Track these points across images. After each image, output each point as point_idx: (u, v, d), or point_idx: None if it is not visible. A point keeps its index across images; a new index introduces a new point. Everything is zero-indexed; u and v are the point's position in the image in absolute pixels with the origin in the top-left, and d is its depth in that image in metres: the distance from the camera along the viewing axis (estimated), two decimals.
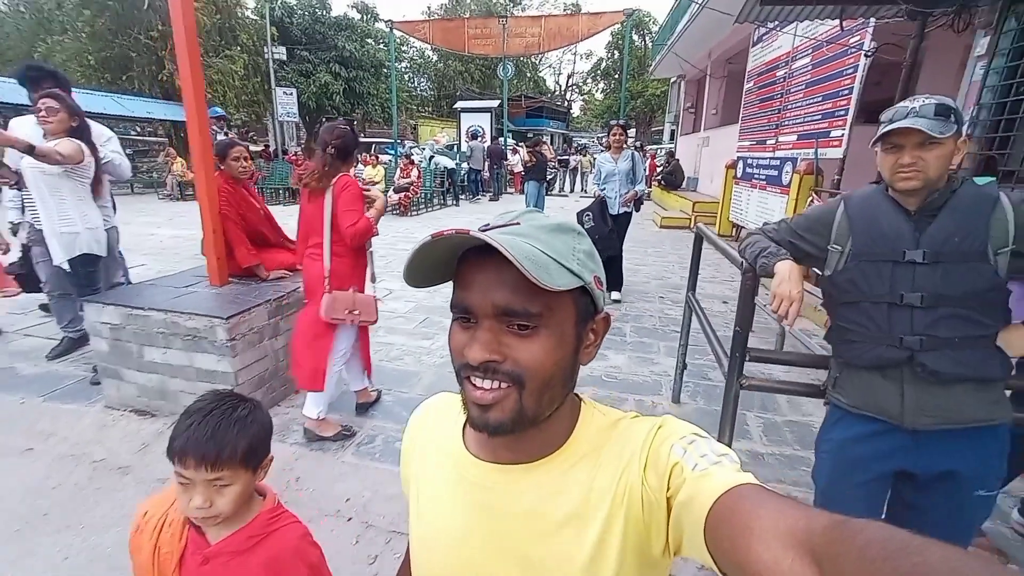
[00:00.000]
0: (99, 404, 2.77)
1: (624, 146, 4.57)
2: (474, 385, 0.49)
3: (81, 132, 2.76)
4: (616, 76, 38.44)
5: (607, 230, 4.45)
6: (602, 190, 4.58)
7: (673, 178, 11.47)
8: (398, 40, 19.98)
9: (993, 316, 1.20)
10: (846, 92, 4.51)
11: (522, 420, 0.50)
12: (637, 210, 4.69)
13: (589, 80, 45.68)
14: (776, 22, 4.26)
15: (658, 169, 14.48)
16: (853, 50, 4.37)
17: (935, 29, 3.35)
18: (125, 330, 2.54)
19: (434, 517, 0.59)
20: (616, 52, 36.88)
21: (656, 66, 15.05)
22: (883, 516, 1.45)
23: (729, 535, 0.38)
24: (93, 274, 2.83)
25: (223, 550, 0.87)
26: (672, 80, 17.10)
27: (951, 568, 0.25)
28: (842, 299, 1.36)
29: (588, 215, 4.46)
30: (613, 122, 4.70)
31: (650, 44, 29.24)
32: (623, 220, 4.63)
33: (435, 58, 31.46)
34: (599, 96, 45.05)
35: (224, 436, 0.82)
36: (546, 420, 0.52)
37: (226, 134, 5.78)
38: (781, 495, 0.40)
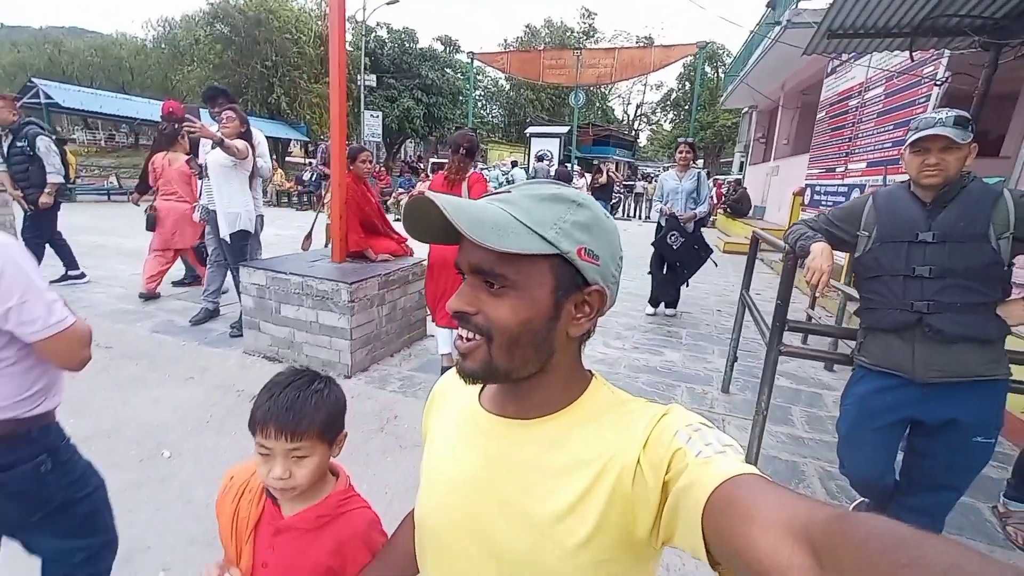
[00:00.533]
0: (239, 351, 3.44)
1: (691, 165, 4.51)
2: (459, 336, 0.55)
3: (247, 136, 3.51)
4: (686, 107, 38.44)
5: (695, 243, 4.42)
6: (666, 204, 4.48)
7: (739, 206, 11.47)
8: (475, 70, 21.39)
9: (991, 288, 1.47)
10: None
11: (492, 372, 0.54)
12: (695, 233, 4.54)
13: (658, 110, 45.87)
14: (846, 54, 4.48)
15: (724, 197, 14.43)
16: (926, 80, 4.49)
17: (1011, 60, 3.48)
18: (268, 290, 3.19)
19: (440, 461, 0.64)
20: (687, 83, 37.00)
21: (727, 96, 15.14)
22: (898, 459, 1.70)
23: (729, 522, 0.38)
24: (244, 247, 3.55)
25: (294, 525, 0.87)
26: (743, 110, 17.06)
27: (949, 562, 0.25)
28: (867, 275, 1.66)
29: (674, 235, 4.37)
30: (681, 140, 4.62)
31: (722, 75, 29.17)
32: (697, 236, 4.51)
33: (507, 87, 33.03)
34: (667, 126, 45.06)
35: (303, 407, 0.84)
36: (543, 381, 0.56)
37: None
38: (784, 487, 0.40)
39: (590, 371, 0.61)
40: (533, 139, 16.98)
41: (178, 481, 2.23)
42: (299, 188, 13.59)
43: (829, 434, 2.67)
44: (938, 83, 4.18)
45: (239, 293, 3.53)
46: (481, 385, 0.63)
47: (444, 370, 3.00)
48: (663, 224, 4.55)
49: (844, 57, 5.07)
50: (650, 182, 18.37)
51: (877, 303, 1.62)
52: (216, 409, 2.83)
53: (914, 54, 4.13)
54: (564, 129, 17.65)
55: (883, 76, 5.33)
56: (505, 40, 36.58)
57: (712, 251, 4.60)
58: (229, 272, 3.79)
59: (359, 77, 17.11)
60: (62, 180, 4.41)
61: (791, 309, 2.09)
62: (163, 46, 26.10)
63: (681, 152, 4.50)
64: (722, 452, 0.45)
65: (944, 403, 1.52)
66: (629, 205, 17.53)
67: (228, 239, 3.45)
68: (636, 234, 10.50)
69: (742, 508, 0.38)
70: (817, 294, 1.73)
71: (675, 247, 4.41)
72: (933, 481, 1.61)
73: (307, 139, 20.60)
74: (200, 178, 3.54)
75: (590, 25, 37.45)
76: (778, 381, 3.08)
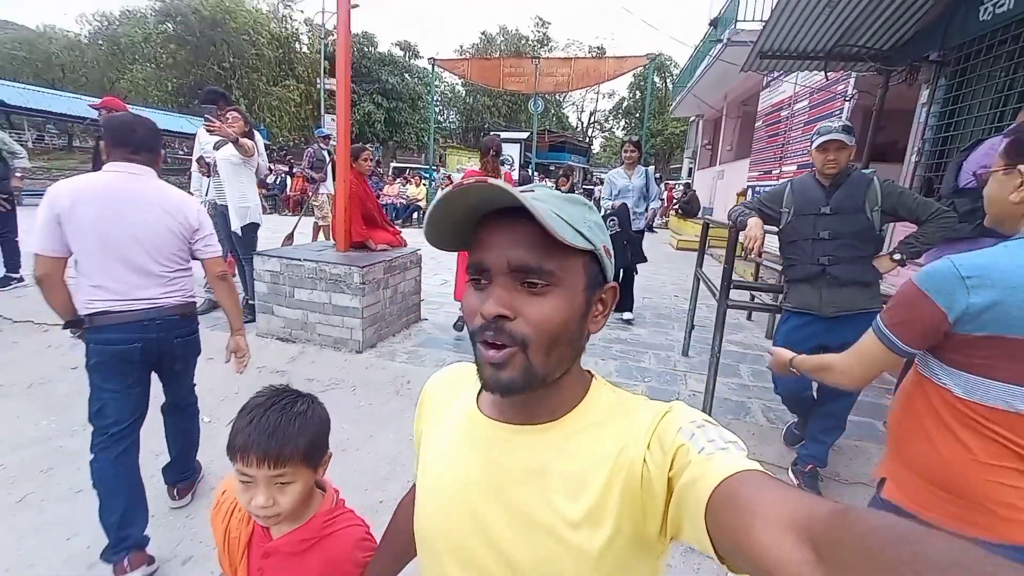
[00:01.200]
0: (251, 334, 3.70)
1: (638, 163, 4.52)
2: (487, 344, 0.52)
3: (250, 136, 3.80)
4: (637, 115, 40.16)
5: (627, 239, 4.24)
6: (616, 200, 4.40)
7: (690, 207, 12.41)
8: (435, 76, 21.70)
9: (869, 246, 2.07)
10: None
11: (532, 377, 0.52)
12: (651, 230, 4.97)
13: (610, 118, 47.65)
14: (776, 72, 5.24)
15: (675, 200, 15.46)
16: (839, 96, 5.32)
17: (897, 84, 4.29)
18: (282, 275, 3.50)
19: (442, 469, 0.61)
20: (638, 92, 38.69)
21: (676, 106, 16.24)
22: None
23: (731, 517, 0.39)
24: (254, 239, 3.83)
25: (281, 548, 0.86)
26: (691, 119, 18.28)
27: (951, 558, 0.25)
28: (787, 240, 2.24)
29: (613, 220, 4.21)
30: (626, 139, 4.63)
31: (670, 86, 30.85)
32: (637, 239, 4.45)
33: (463, 93, 33.51)
34: (619, 133, 46.90)
35: (286, 431, 0.80)
36: (555, 385, 0.55)
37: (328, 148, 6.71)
38: (786, 483, 0.40)
39: (589, 371, 0.61)
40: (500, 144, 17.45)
41: (221, 438, 2.54)
42: (262, 191, 13.45)
43: (769, 383, 3.29)
44: (847, 99, 5.00)
45: (247, 283, 3.80)
46: (479, 389, 0.62)
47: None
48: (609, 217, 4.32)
49: (775, 74, 5.85)
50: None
51: (796, 260, 2.20)
52: (241, 383, 3.11)
53: (828, 74, 4.94)
54: (524, 135, 18.30)
55: (807, 91, 6.19)
56: (461, 46, 37.09)
57: (644, 259, 4.46)
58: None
59: (318, 80, 17.07)
60: (28, 164, 4.48)
61: (735, 278, 2.67)
62: (100, 42, 24.86)
63: (627, 151, 4.55)
64: (724, 448, 0.45)
65: (842, 330, 2.10)
66: None
67: (239, 232, 3.72)
68: None
69: (744, 503, 0.38)
70: (753, 257, 2.30)
71: (610, 232, 4.23)
72: (836, 391, 2.20)
73: (267, 141, 20.25)
74: (206, 175, 3.78)
75: (544, 34, 38.56)
76: (727, 347, 3.71)
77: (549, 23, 38.54)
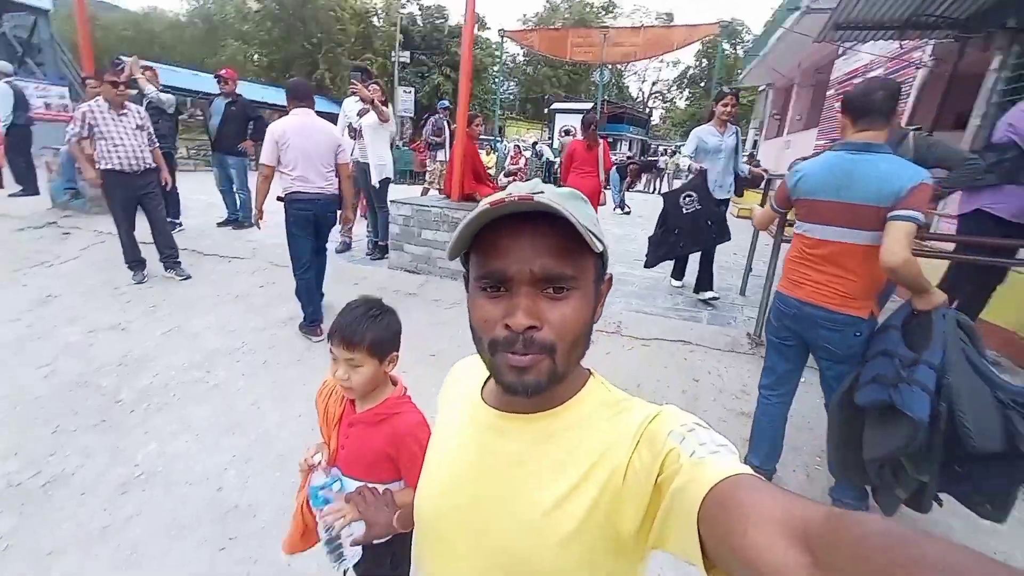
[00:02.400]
0: (384, 267, 4.65)
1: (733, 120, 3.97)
2: (512, 354, 0.52)
3: (386, 103, 4.66)
4: (702, 84, 38.68)
5: (710, 217, 3.72)
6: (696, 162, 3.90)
7: (752, 178, 12.44)
8: (494, 46, 22.08)
9: None
10: (904, 97, 5.63)
11: (555, 379, 0.53)
12: (740, 194, 4.68)
13: (673, 88, 46.05)
14: (849, 43, 5.49)
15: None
16: (913, 64, 5.50)
17: (972, 51, 4.51)
18: (412, 219, 4.38)
19: (443, 455, 0.66)
20: (705, 60, 37.19)
21: (746, 75, 15.90)
22: None
23: (724, 522, 0.39)
24: (386, 191, 4.74)
25: (361, 419, 1.12)
26: (760, 88, 17.78)
27: (947, 563, 0.25)
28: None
29: (690, 196, 3.68)
30: (726, 89, 4.04)
31: (741, 53, 29.52)
32: (721, 213, 3.91)
33: (523, 63, 33.58)
34: (681, 104, 45.30)
35: (358, 326, 1.05)
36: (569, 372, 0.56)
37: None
38: (779, 487, 0.40)
39: (588, 369, 0.62)
40: (557, 115, 17.86)
41: None
42: None
43: None
44: (919, 66, 5.21)
45: (379, 228, 4.73)
46: (485, 379, 0.67)
47: None
48: (683, 186, 3.91)
49: (846, 45, 6.05)
50: (672, 155, 19.26)
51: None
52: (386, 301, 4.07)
53: (903, 43, 5.16)
54: (588, 105, 18.49)
55: (882, 60, 6.33)
56: (524, 15, 36.91)
57: (729, 238, 3.90)
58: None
59: (393, 53, 18.00)
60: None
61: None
62: (197, 21, 26.99)
63: (727, 105, 3.89)
64: (716, 452, 0.45)
65: None
66: (651, 181, 18.48)
67: (377, 184, 4.63)
68: (655, 203, 11.60)
69: (738, 507, 0.38)
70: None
71: (685, 210, 3.71)
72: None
73: (444, 107, 21.29)
74: (353, 138, 4.68)
75: (610, 0, 37.58)
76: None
77: None
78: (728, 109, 3.92)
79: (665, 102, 48.49)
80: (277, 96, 16.17)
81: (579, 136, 5.05)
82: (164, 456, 2.40)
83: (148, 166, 4.05)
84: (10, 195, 6.47)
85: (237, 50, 19.09)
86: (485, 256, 0.53)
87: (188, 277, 4.31)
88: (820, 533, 0.33)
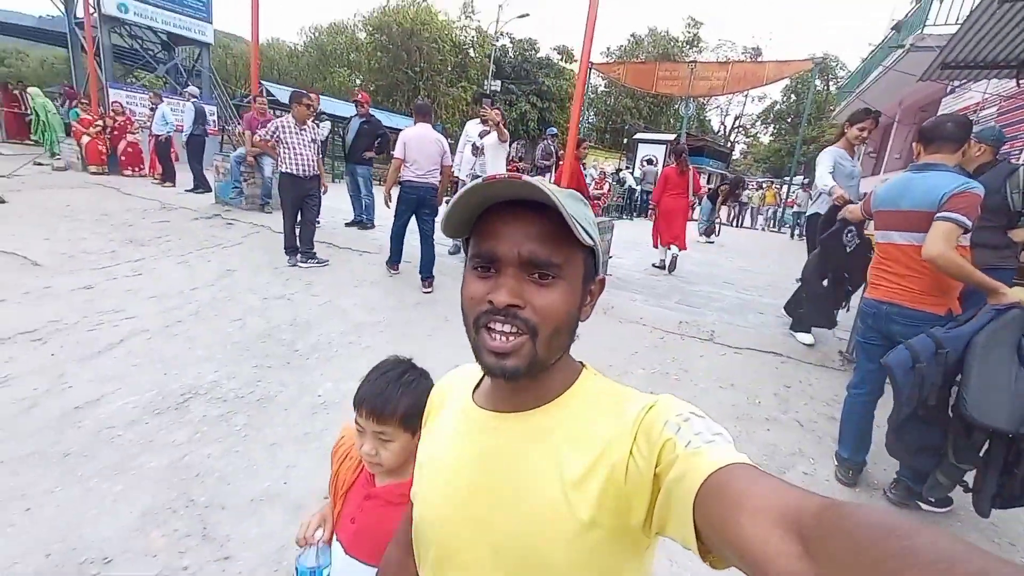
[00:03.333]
0: None
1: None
2: (491, 330, 0.55)
3: (506, 125, 5.33)
4: (789, 120, 37.54)
5: (869, 249, 2.99)
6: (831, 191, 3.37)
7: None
8: (573, 77, 23.06)
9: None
10: (1023, 136, 5.54)
11: (535, 364, 0.55)
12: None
13: (758, 123, 44.92)
14: (958, 81, 5.52)
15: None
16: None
17: None
18: None
19: (439, 461, 0.65)
20: (793, 95, 36.15)
21: (839, 111, 15.52)
22: None
23: (719, 511, 0.39)
24: None
25: (381, 495, 1.00)
26: None
27: (938, 552, 0.26)
28: None
29: (851, 231, 3.16)
30: (866, 110, 3.61)
31: (833, 89, 28.51)
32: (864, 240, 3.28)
33: (604, 93, 34.34)
34: (765, 139, 44.02)
35: (391, 395, 0.95)
36: (545, 373, 0.58)
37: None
38: (774, 476, 0.41)
39: (581, 362, 0.64)
40: (640, 144, 18.22)
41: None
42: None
43: None
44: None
45: None
46: (476, 383, 0.67)
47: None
48: (825, 216, 3.42)
49: (955, 84, 6.04)
50: (759, 188, 18.90)
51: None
52: None
53: (1021, 81, 5.14)
54: (668, 136, 18.73)
55: (995, 98, 6.23)
56: (608, 48, 37.80)
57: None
58: None
59: (485, 82, 19.31)
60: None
61: None
62: (311, 51, 30.37)
63: (863, 129, 3.52)
64: (711, 441, 0.45)
65: None
66: (732, 212, 18.25)
67: None
68: (759, 239, 11.54)
69: (732, 497, 0.39)
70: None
71: (849, 249, 3.23)
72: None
73: (553, 134, 23.09)
74: (474, 156, 5.38)
75: (695, 35, 37.73)
76: None
77: (701, 23, 37.47)
78: (863, 133, 3.57)
79: (748, 137, 47.33)
80: (385, 119, 17.97)
81: (670, 164, 5.87)
82: (339, 392, 3.03)
83: (314, 173, 4.94)
84: (186, 191, 7.85)
85: (344, 77, 21.38)
86: (480, 238, 0.56)
87: (326, 262, 5.12)
88: (813, 523, 0.33)
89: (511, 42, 24.89)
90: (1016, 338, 1.80)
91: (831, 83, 32.09)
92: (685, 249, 6.10)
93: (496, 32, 19.17)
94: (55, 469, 2.27)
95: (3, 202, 6.61)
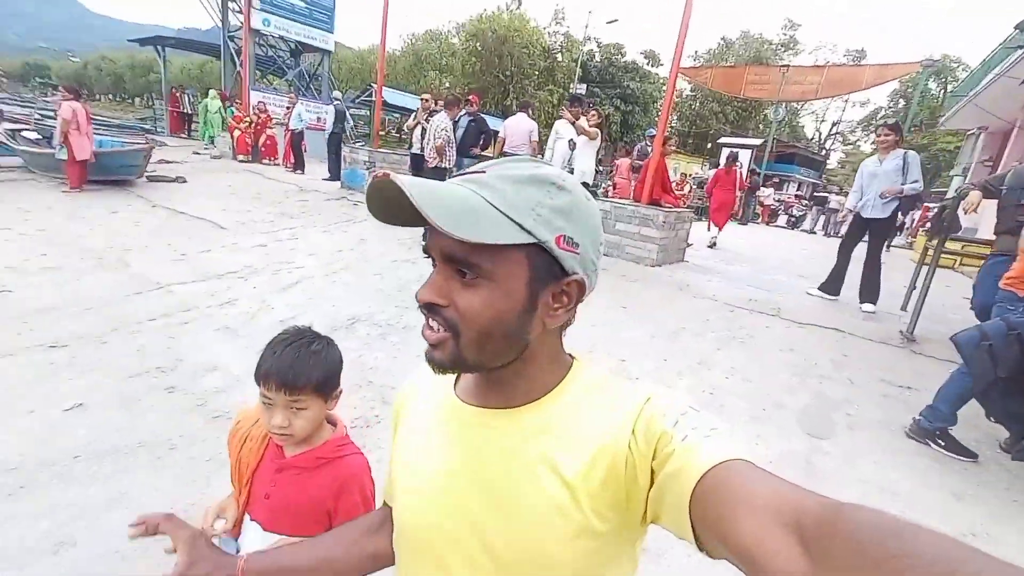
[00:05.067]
0: None
1: (894, 147, 4.42)
2: (425, 323, 0.53)
3: (601, 127, 6.03)
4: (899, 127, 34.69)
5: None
6: (859, 203, 4.53)
7: (944, 224, 11.48)
8: (662, 81, 23.05)
9: None
10: None
11: (462, 364, 0.52)
12: (904, 215, 5.35)
13: (858, 130, 41.86)
14: None
15: (928, 220, 14.02)
16: None
17: None
18: (610, 213, 5.62)
19: (423, 463, 0.61)
20: (902, 100, 33.45)
21: (950, 116, 14.56)
22: None
23: (716, 508, 0.39)
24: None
25: (295, 464, 1.00)
26: (969, 132, 15.97)
27: (938, 553, 0.26)
28: (1000, 207, 3.33)
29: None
30: (880, 124, 4.58)
31: (947, 94, 26.17)
32: (879, 228, 4.52)
33: (690, 98, 33.77)
34: (867, 148, 40.93)
35: (302, 365, 0.94)
36: (524, 369, 0.55)
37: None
38: (773, 473, 0.40)
39: (570, 355, 0.60)
40: (724, 149, 18.08)
41: None
42: None
43: None
44: None
45: None
46: (455, 376, 0.62)
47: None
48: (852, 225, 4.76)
49: None
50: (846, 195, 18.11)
51: (1002, 219, 3.29)
52: None
53: None
54: (756, 142, 18.38)
55: None
56: (696, 51, 37.09)
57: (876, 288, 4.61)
58: None
59: (572, 85, 20.01)
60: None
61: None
62: (408, 56, 32.74)
63: (880, 135, 4.52)
64: (708, 436, 0.44)
65: None
66: (818, 220, 17.64)
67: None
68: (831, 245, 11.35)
69: (730, 495, 0.38)
70: (971, 210, 3.43)
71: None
72: None
73: (651, 135, 24.25)
74: (571, 150, 6.14)
75: (791, 37, 36.02)
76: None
77: (799, 25, 35.70)
78: (880, 139, 4.56)
79: (846, 144, 44.22)
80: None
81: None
82: None
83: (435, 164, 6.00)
84: (323, 179, 9.32)
85: (435, 79, 23.02)
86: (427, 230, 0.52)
87: None
88: (813, 523, 0.33)
89: (598, 46, 25.44)
90: None
91: (947, 87, 29.38)
92: (721, 231, 8.20)
93: (584, 37, 19.85)
94: None
95: (185, 181, 8.29)
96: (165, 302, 3.92)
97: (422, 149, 7.38)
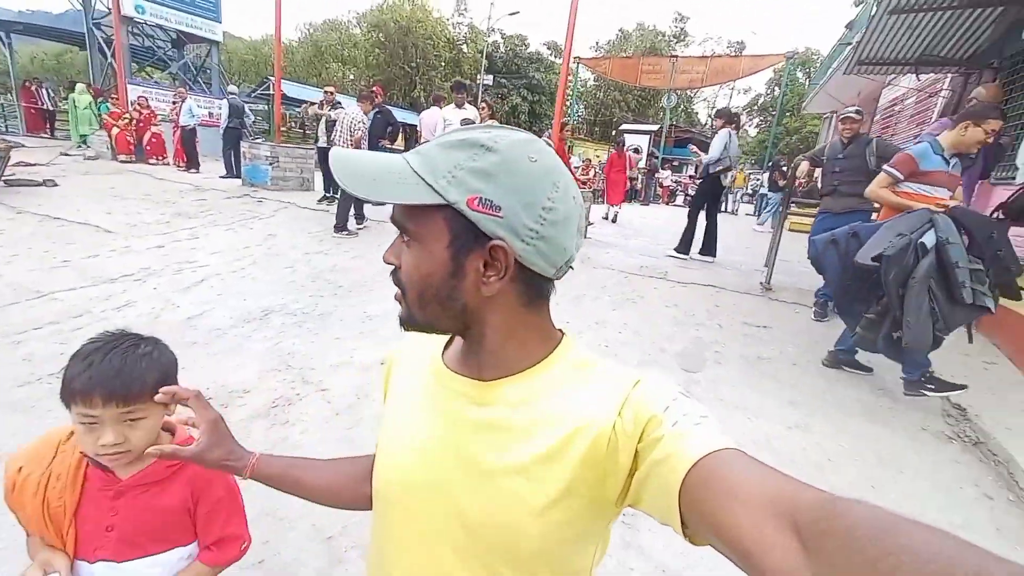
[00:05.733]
0: None
1: (725, 127, 5.60)
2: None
3: (493, 117, 6.33)
4: (773, 111, 38.80)
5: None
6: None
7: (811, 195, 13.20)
8: (574, 73, 24.09)
9: (862, 176, 3.85)
10: (936, 124, 6.63)
11: (413, 322, 0.55)
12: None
13: (744, 115, 46.09)
14: (874, 76, 6.59)
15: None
16: (936, 94, 6.52)
17: (973, 84, 5.55)
18: None
19: (402, 423, 0.62)
20: (777, 88, 37.39)
21: (808, 103, 16.65)
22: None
23: (709, 500, 0.38)
24: None
25: (140, 481, 0.86)
26: (824, 115, 18.36)
27: (934, 550, 0.26)
28: (823, 173, 4.07)
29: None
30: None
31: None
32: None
33: (594, 87, 35.33)
34: (752, 131, 45.24)
35: (133, 370, 0.81)
36: (487, 339, 0.55)
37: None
38: (765, 464, 0.40)
39: (561, 331, 0.60)
40: (626, 135, 19.26)
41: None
42: None
43: None
44: (936, 96, 6.25)
45: None
46: (446, 341, 0.63)
47: None
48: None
49: (872, 77, 7.11)
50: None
51: (824, 183, 4.04)
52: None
53: (920, 76, 6.24)
54: (655, 127, 19.78)
55: (913, 91, 7.34)
56: (597, 43, 38.70)
57: None
58: None
59: (478, 76, 20.24)
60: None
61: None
62: (306, 47, 31.09)
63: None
64: (698, 424, 0.44)
65: (847, 220, 3.91)
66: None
67: None
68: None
69: (724, 486, 0.38)
70: (801, 179, 4.17)
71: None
72: None
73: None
74: None
75: (681, 29, 38.75)
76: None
77: (688, 18, 38.53)
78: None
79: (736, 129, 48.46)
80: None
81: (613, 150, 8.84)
82: (383, 309, 4.04)
83: None
84: (221, 177, 8.80)
85: (337, 71, 22.22)
86: None
87: (356, 234, 6.12)
88: (811, 519, 0.33)
89: (502, 38, 25.87)
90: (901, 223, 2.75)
91: (812, 75, 33.29)
92: (619, 208, 9.70)
93: (488, 28, 20.15)
94: (191, 351, 3.26)
95: (55, 185, 7.50)
96: (51, 309, 3.68)
97: (329, 143, 7.29)
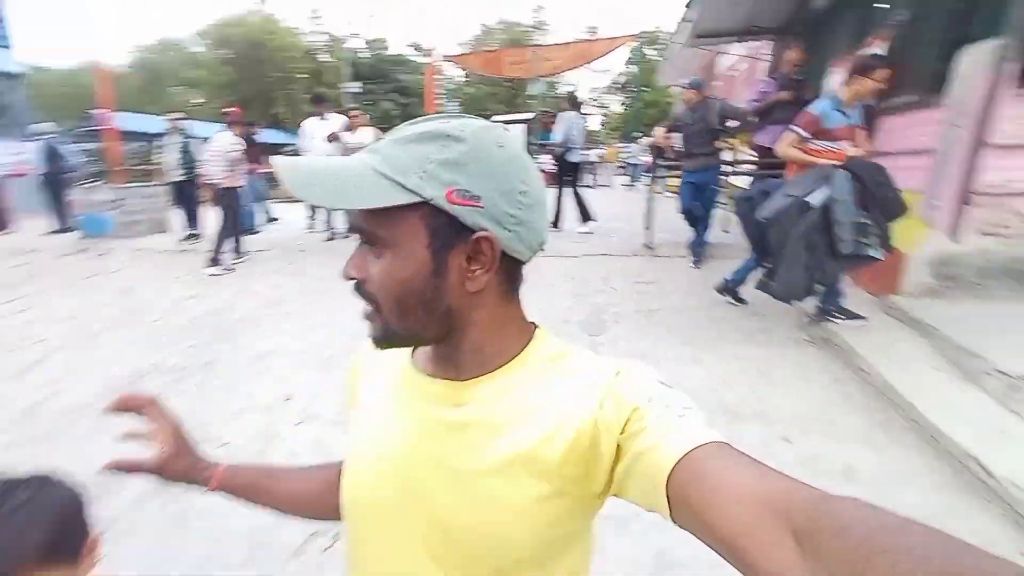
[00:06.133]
0: None
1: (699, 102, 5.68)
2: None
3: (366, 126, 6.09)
4: (634, 89, 41.82)
5: None
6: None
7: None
8: (434, 69, 23.92)
9: (710, 136, 4.28)
10: (761, 84, 7.54)
11: (394, 338, 0.52)
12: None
13: (606, 94, 49.09)
14: (712, 47, 7.34)
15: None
16: (761, 59, 7.43)
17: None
18: None
19: (372, 432, 0.59)
20: (634, 67, 40.32)
21: (662, 76, 18.17)
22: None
23: (698, 493, 0.37)
24: None
25: None
26: (674, 86, 20.15)
27: (928, 548, 0.26)
28: (681, 137, 4.46)
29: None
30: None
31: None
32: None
33: (464, 84, 35.54)
34: (618, 109, 48.37)
35: (3, 535, 0.59)
36: (465, 338, 0.53)
37: None
38: (754, 458, 0.39)
39: (533, 323, 0.57)
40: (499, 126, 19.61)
41: None
42: None
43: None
44: (761, 59, 7.12)
45: None
46: (412, 348, 0.59)
47: None
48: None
49: (705, 48, 7.94)
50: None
51: (681, 146, 4.42)
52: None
53: (745, 45, 7.05)
54: (528, 116, 20.32)
55: (745, 58, 8.29)
56: (463, 40, 38.87)
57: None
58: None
59: (343, 85, 19.37)
60: None
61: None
62: (141, 72, 27.55)
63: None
64: (683, 416, 0.43)
65: (700, 176, 4.32)
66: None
67: None
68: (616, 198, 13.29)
69: (714, 482, 0.37)
70: (661, 143, 4.53)
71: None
72: (707, 207, 4.43)
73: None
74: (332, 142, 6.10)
75: (540, 20, 40.17)
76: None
77: (542, 7, 39.98)
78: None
79: (601, 108, 51.49)
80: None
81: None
82: (275, 343, 3.72)
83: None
84: (46, 234, 7.48)
85: (183, 94, 20.03)
86: None
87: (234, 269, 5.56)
88: (805, 518, 0.32)
89: (365, 43, 24.92)
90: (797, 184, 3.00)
91: (663, 52, 36.27)
92: None
93: (346, 34, 19.31)
94: (43, 445, 2.75)
95: None
96: None
97: (187, 175, 6.56)
